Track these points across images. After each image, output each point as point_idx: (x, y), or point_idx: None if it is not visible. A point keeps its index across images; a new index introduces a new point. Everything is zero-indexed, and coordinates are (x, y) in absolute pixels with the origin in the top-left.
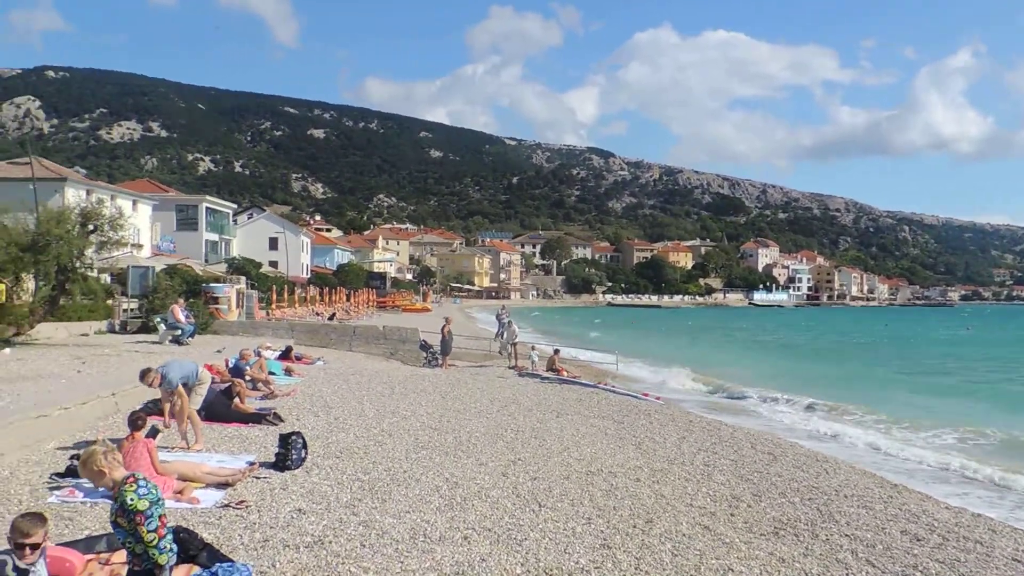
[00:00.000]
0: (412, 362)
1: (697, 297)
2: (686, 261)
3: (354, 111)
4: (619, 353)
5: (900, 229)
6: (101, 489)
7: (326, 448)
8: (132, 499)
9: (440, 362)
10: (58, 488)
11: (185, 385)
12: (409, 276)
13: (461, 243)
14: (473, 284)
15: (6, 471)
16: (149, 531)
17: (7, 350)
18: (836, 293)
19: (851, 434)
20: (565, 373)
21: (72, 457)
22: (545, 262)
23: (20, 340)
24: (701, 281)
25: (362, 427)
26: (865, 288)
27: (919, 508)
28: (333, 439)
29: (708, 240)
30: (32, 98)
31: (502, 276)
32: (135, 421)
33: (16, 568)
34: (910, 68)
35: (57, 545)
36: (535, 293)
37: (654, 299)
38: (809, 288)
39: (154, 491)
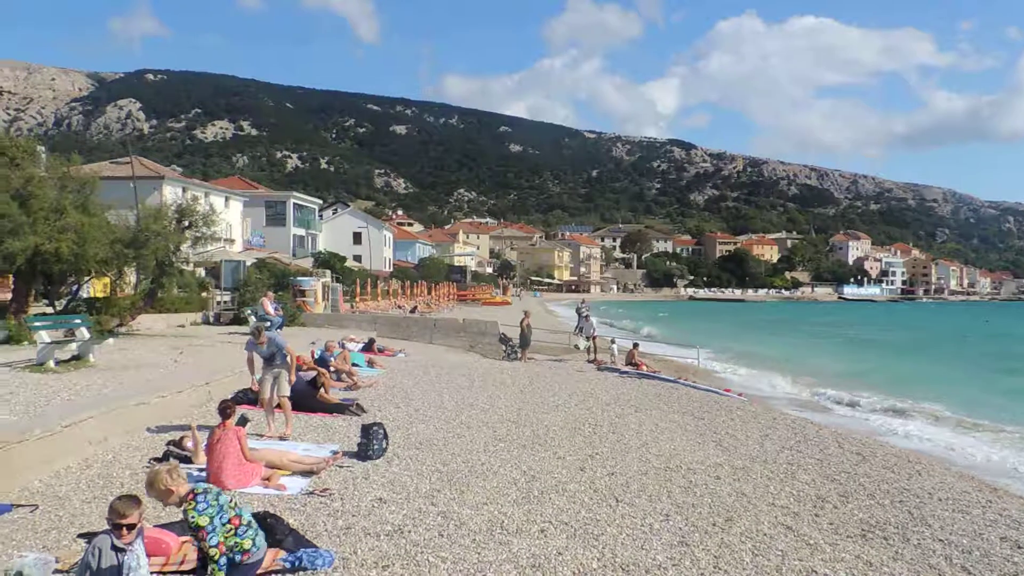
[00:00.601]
0: (491, 355)
1: (783, 291)
2: (771, 254)
3: (434, 107)
4: (700, 348)
5: (1004, 220)
6: (196, 473)
7: (406, 439)
8: (193, 516)
9: (519, 355)
10: None
11: (271, 359)
12: (489, 270)
13: (541, 237)
14: (553, 278)
15: (109, 455)
16: (211, 546)
17: (111, 340)
18: (933, 287)
19: (945, 436)
20: (644, 367)
21: (169, 443)
22: (625, 256)
23: (123, 331)
24: (787, 275)
25: (441, 419)
26: (965, 282)
27: (1021, 514)
28: (413, 430)
29: (795, 233)
30: (133, 100)
31: (582, 270)
32: (225, 410)
33: (115, 547)
34: (1014, 50)
35: (154, 527)
36: (615, 287)
37: (737, 293)
38: (904, 282)
39: (214, 504)
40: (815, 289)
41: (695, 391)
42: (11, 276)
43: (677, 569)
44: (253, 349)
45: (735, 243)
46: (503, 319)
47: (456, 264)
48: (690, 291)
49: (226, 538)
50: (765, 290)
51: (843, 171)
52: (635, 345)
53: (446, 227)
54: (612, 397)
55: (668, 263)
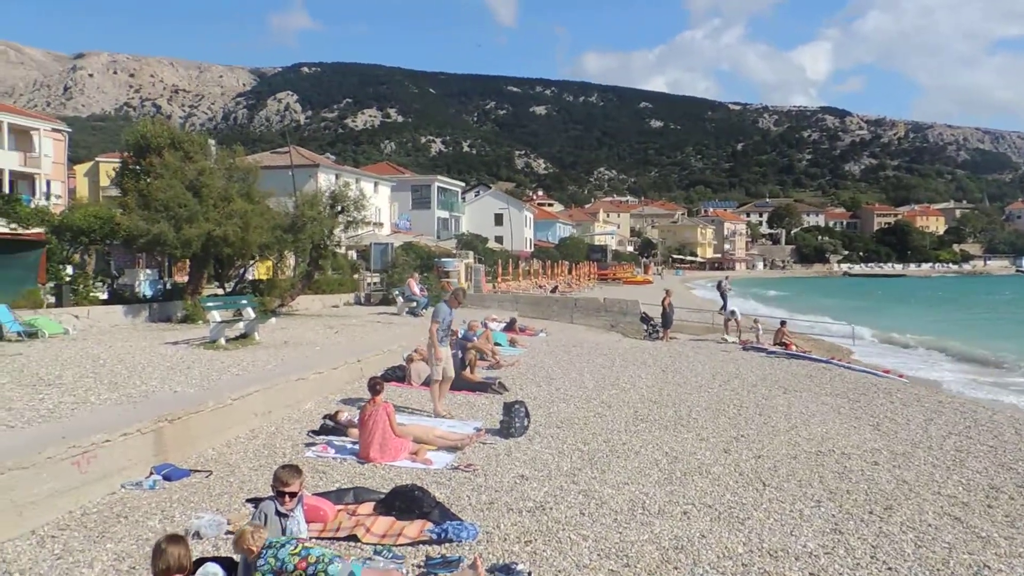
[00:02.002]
0: (632, 334)
1: (951, 265)
2: (937, 226)
3: (574, 86)
4: (856, 326)
5: None
6: (349, 446)
7: (547, 417)
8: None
9: (661, 335)
10: (313, 444)
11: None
12: (630, 248)
13: (683, 214)
14: (696, 255)
15: (272, 427)
16: None
17: (273, 319)
18: None
19: None
20: (794, 347)
21: (325, 416)
22: (773, 231)
23: (283, 311)
24: (956, 247)
25: (582, 398)
26: None
27: None
28: (554, 409)
29: (965, 202)
30: (291, 93)
31: (726, 247)
32: (375, 386)
33: (278, 512)
34: None
35: (313, 495)
36: (762, 264)
37: (898, 268)
38: None
39: (273, 560)
40: (988, 262)
41: (850, 372)
42: (187, 260)
43: (830, 557)
44: (448, 317)
45: (895, 215)
46: (644, 298)
47: (596, 243)
48: (844, 267)
49: None
50: (930, 264)
51: (1022, 132)
52: (783, 323)
53: (586, 206)
54: (758, 378)
55: (820, 238)
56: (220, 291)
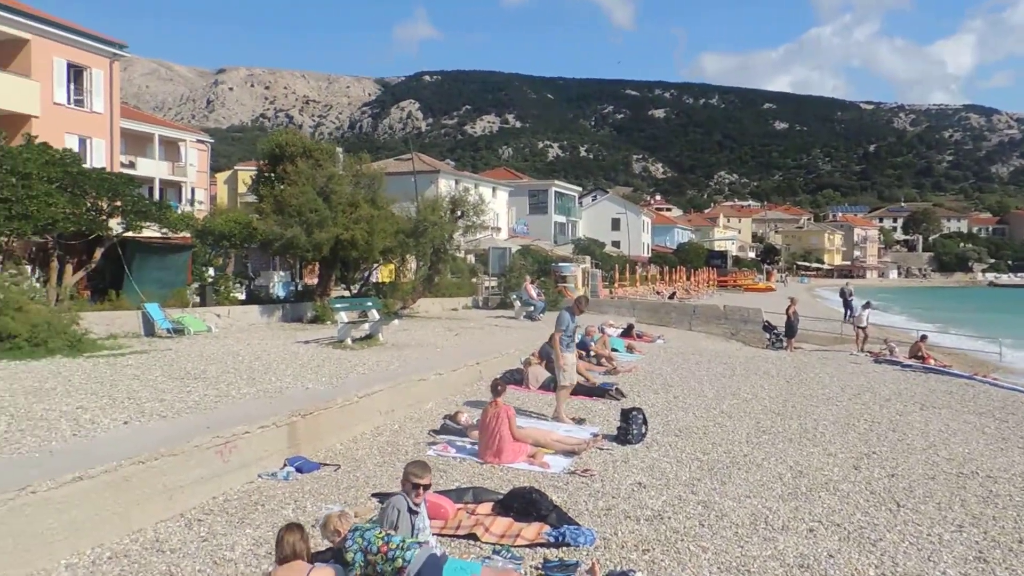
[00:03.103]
0: (754, 343)
1: None
2: None
3: (693, 88)
4: (1003, 339)
5: None
6: (469, 446)
7: (665, 425)
8: (343, 553)
9: (785, 344)
10: (434, 443)
11: (572, 337)
12: (751, 254)
13: (809, 219)
14: (822, 262)
15: (396, 425)
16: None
17: (396, 321)
18: None
19: None
20: (932, 361)
21: (445, 417)
22: (908, 237)
23: (405, 313)
24: None
25: (701, 407)
26: None
27: None
28: (672, 417)
29: None
30: (413, 101)
31: (856, 253)
32: (496, 388)
33: (409, 508)
34: None
35: (434, 492)
36: (896, 271)
37: None
38: None
39: (360, 541)
40: None
41: (997, 389)
42: (317, 263)
43: None
44: (570, 324)
45: None
46: (767, 306)
47: (716, 249)
48: (990, 276)
49: (374, 565)
50: None
51: None
52: (922, 337)
53: (706, 211)
54: (892, 392)
55: (962, 245)
56: (346, 293)
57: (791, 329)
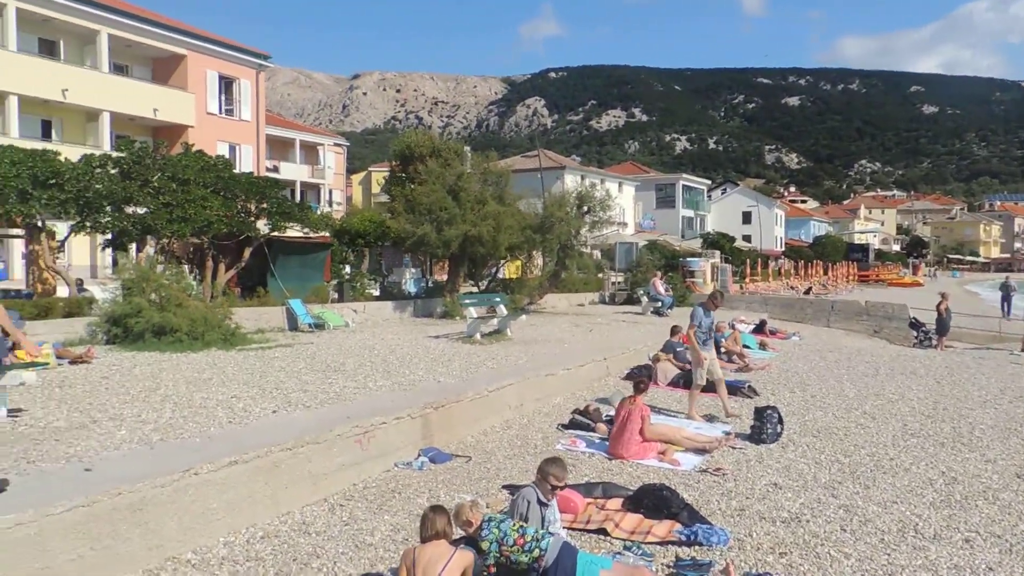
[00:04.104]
0: (900, 341)
1: None
2: None
3: (831, 73)
4: None
5: None
6: (598, 441)
7: (802, 425)
8: (484, 545)
9: (934, 342)
10: (563, 438)
11: (709, 332)
12: (896, 247)
13: (962, 209)
14: (977, 255)
15: (525, 419)
16: (484, 565)
17: (524, 317)
18: None
19: None
20: None
21: (574, 411)
22: None
23: (532, 308)
24: None
25: (841, 407)
26: None
27: None
28: (809, 417)
29: None
30: (538, 98)
31: (1016, 245)
32: (639, 385)
33: (539, 501)
34: None
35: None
36: None
37: None
38: None
39: (496, 531)
40: None
41: None
42: (446, 260)
43: None
44: (704, 319)
45: None
46: (913, 302)
47: (856, 242)
48: None
49: (508, 556)
50: None
51: None
52: None
53: (844, 202)
54: None
55: None
56: (474, 289)
57: (942, 326)
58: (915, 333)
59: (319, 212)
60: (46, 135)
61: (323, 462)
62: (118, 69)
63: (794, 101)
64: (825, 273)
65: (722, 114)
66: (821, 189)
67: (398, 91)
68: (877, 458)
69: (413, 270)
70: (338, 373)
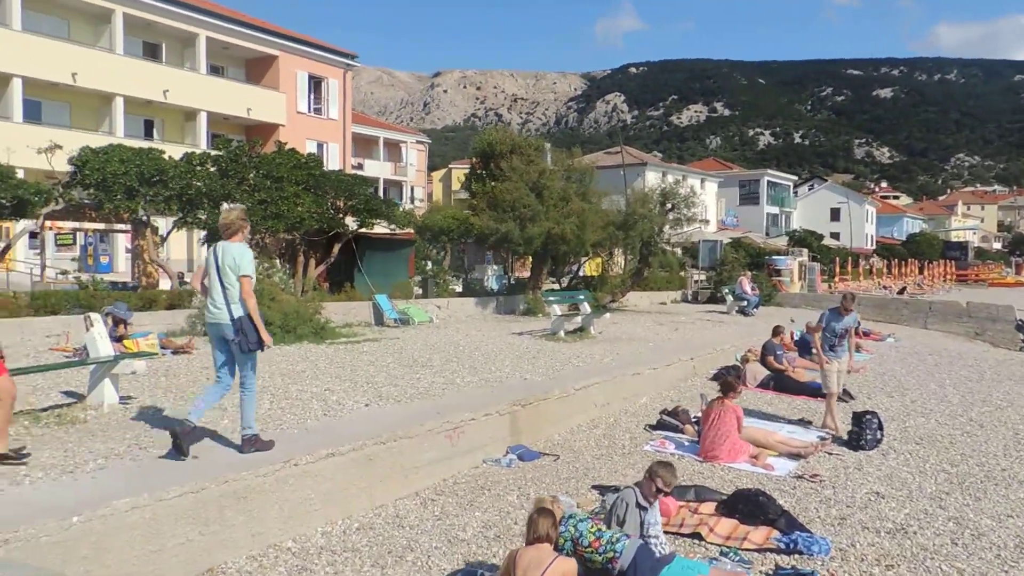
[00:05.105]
0: (1005, 344)
1: None
2: None
3: (927, 63)
4: None
5: None
6: (685, 442)
7: (903, 432)
8: (560, 542)
9: None
10: (652, 439)
11: (842, 337)
12: (997, 245)
13: None
14: None
15: (611, 418)
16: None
17: (607, 315)
18: None
19: None
20: None
21: (662, 412)
22: None
23: (614, 306)
24: None
25: (945, 413)
26: None
27: None
28: (911, 423)
29: None
30: (618, 94)
31: None
32: (729, 387)
33: (639, 503)
34: None
35: None
36: None
37: None
38: None
39: (572, 530)
40: None
41: None
42: (528, 257)
43: None
44: (832, 322)
45: None
46: (1020, 303)
47: (954, 239)
48: None
49: (583, 555)
50: None
51: None
52: None
53: (940, 198)
54: None
55: None
56: (556, 286)
57: None
58: (1022, 336)
59: (402, 209)
60: (148, 134)
61: (414, 456)
62: (214, 70)
63: (886, 93)
64: (920, 272)
65: (809, 107)
66: (915, 185)
67: (478, 88)
68: (987, 468)
69: (495, 267)
70: (425, 368)
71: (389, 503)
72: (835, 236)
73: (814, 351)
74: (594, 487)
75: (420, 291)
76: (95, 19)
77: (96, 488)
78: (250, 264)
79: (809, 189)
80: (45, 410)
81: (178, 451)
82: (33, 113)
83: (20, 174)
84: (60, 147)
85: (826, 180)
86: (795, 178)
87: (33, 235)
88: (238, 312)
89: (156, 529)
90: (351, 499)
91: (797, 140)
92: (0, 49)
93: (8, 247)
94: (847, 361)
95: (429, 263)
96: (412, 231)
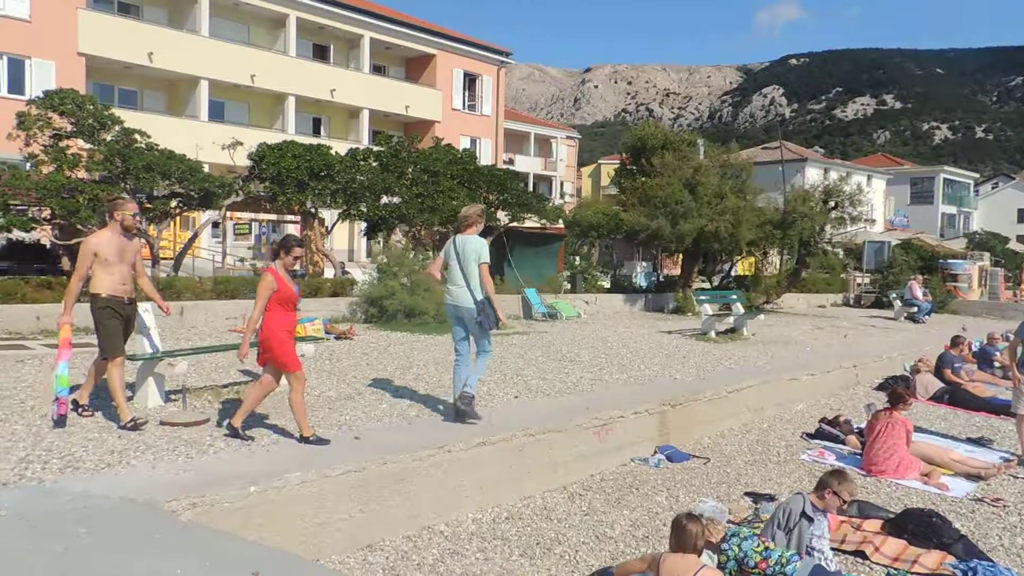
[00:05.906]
0: None
1: None
2: None
3: None
4: None
5: None
6: (846, 453)
7: None
8: (722, 560)
9: None
10: (809, 448)
11: None
12: None
13: None
14: None
15: (765, 424)
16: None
17: (761, 316)
18: None
19: None
20: None
21: (821, 420)
22: None
23: (768, 308)
24: None
25: None
26: None
27: None
28: None
29: None
30: (776, 87)
31: None
32: (900, 397)
33: (804, 513)
34: None
35: None
36: None
37: None
38: None
39: (736, 548)
40: None
41: None
42: (679, 254)
43: None
44: None
45: None
46: None
47: None
48: None
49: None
50: None
51: None
52: None
53: None
54: None
55: None
56: (706, 285)
57: None
58: None
59: (552, 204)
60: (316, 131)
61: (563, 450)
62: (376, 70)
63: None
64: None
65: (994, 99)
66: None
67: (629, 83)
68: None
69: (644, 264)
70: (574, 363)
71: (537, 495)
72: (1022, 240)
73: (996, 364)
74: (747, 494)
75: (568, 286)
76: (272, 24)
77: (270, 461)
78: (487, 253)
79: (992, 188)
80: (226, 386)
81: (465, 416)
82: (217, 112)
83: (206, 168)
84: (241, 143)
85: (1013, 178)
86: (976, 176)
87: (215, 225)
88: (479, 295)
89: (322, 503)
90: (501, 488)
91: (979, 134)
92: (191, 54)
93: (196, 235)
94: None
95: (578, 258)
96: (562, 226)
